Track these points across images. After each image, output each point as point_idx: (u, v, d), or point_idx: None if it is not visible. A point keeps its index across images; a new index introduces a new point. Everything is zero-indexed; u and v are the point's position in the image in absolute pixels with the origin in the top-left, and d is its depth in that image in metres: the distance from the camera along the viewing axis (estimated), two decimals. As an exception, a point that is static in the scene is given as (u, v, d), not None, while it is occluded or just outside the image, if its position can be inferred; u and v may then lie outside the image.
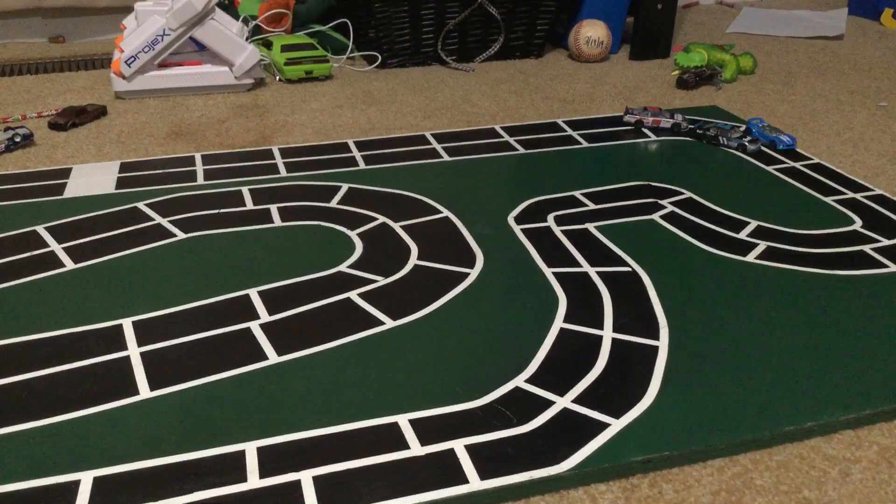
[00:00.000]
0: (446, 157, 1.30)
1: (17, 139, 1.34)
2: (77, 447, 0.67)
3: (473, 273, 0.95)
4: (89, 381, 0.75)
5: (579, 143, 1.36)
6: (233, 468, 0.65)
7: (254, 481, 0.63)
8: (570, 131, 1.42)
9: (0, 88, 1.69)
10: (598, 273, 0.95)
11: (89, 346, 0.81)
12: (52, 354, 0.79)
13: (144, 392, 0.74)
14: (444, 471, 0.65)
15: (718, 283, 0.93)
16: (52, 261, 0.97)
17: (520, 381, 0.76)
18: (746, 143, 1.22)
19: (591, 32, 1.87)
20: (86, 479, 0.64)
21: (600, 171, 1.24)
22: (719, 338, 0.82)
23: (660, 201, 1.14)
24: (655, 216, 1.09)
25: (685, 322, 0.85)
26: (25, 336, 0.82)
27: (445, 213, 1.10)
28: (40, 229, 1.05)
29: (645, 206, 1.12)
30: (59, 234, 1.04)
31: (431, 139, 1.38)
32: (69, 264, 0.97)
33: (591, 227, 1.06)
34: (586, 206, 1.13)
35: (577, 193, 1.16)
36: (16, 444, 0.68)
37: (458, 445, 0.67)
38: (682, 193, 1.16)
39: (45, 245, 1.01)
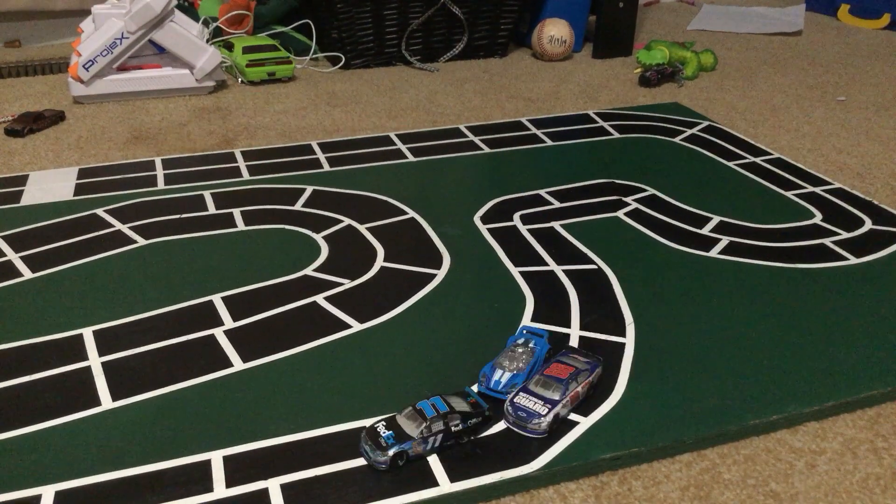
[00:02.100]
0: (411, 158, 1.29)
1: (-29, 146, 1.31)
2: (38, 461, 0.66)
3: (440, 274, 0.95)
4: (50, 392, 0.74)
5: (544, 141, 1.37)
6: (198, 478, 0.64)
7: (220, 490, 0.62)
8: (534, 130, 1.42)
9: (-47, 94, 1.65)
10: (564, 271, 0.95)
11: (49, 356, 0.79)
12: (10, 366, 0.77)
13: (106, 403, 0.72)
14: (414, 475, 0.64)
15: (683, 278, 0.94)
16: (8, 270, 0.95)
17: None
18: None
19: (555, 31, 1.88)
20: (47, 493, 0.62)
21: (565, 170, 1.24)
22: (685, 333, 0.83)
23: (624, 198, 1.14)
24: (620, 213, 1.10)
25: (651, 318, 0.86)
26: (-18, 348, 0.80)
27: (411, 213, 1.10)
28: (-4, 238, 1.03)
29: (609, 204, 1.13)
30: (16, 242, 1.02)
31: (396, 140, 1.37)
32: (27, 273, 0.94)
33: (556, 225, 1.07)
34: (552, 204, 1.13)
35: (542, 192, 1.17)
36: (-27, 460, 0.66)
37: (428, 448, 0.67)
38: (646, 190, 1.17)
39: (2, 254, 0.99)
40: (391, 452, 0.64)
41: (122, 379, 0.76)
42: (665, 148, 1.34)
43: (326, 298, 0.89)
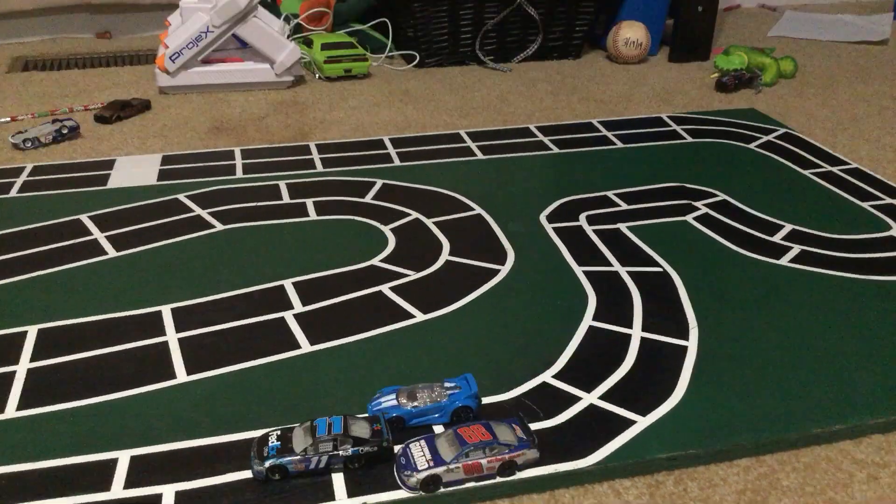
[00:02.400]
0: (480, 156, 1.31)
1: (65, 131, 1.38)
2: (117, 426, 0.70)
3: (504, 270, 0.96)
4: (129, 364, 0.78)
5: (614, 143, 1.36)
6: (264, 451, 0.67)
7: (284, 465, 0.65)
8: (605, 132, 1.42)
9: (49, 82, 1.74)
10: (628, 273, 0.95)
11: (129, 330, 0.83)
12: (94, 337, 0.82)
13: (181, 376, 0.76)
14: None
15: (751, 285, 0.93)
16: (94, 248, 1.00)
17: (547, 377, 0.77)
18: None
19: (630, 34, 1.87)
20: (123, 457, 0.66)
21: (634, 172, 1.24)
22: (749, 339, 0.82)
23: (694, 203, 1.13)
24: (689, 218, 1.09)
25: (715, 323, 0.85)
26: (70, 320, 0.85)
27: (478, 210, 1.11)
28: (84, 218, 1.09)
29: (678, 208, 1.12)
30: (102, 223, 1.07)
31: (466, 137, 1.39)
32: (111, 252, 1.00)
33: (623, 227, 1.07)
34: (619, 206, 1.13)
35: (610, 193, 1.17)
36: (61, 422, 0.70)
37: (485, 437, 0.68)
38: (717, 196, 1.16)
39: (89, 233, 1.04)
40: (266, 465, 0.62)
41: (197, 355, 0.79)
42: (739, 154, 1.32)
43: (392, 288, 0.92)
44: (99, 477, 0.64)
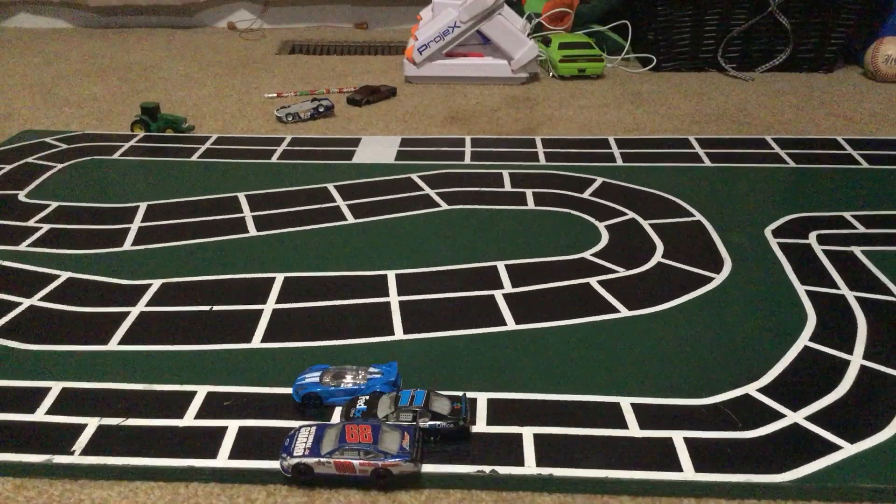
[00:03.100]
0: (708, 163, 1.28)
1: (321, 109, 1.54)
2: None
3: (719, 278, 0.94)
4: (356, 316, 0.87)
5: (859, 163, 1.27)
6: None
7: (482, 426, 0.70)
8: (850, 150, 1.33)
9: (311, 65, 1.94)
10: (856, 298, 0.90)
11: (359, 288, 0.93)
12: (329, 290, 0.92)
13: (399, 334, 0.84)
14: (659, 455, 0.66)
15: None
16: (337, 214, 1.12)
17: (751, 389, 0.75)
18: None
19: (892, 51, 1.72)
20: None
21: (878, 195, 1.15)
22: None
23: (945, 234, 1.04)
24: (937, 249, 1.00)
25: (952, 363, 0.78)
26: (311, 272, 0.96)
27: (698, 216, 1.10)
28: (330, 186, 1.21)
29: (926, 237, 1.03)
30: (345, 192, 1.19)
31: (695, 144, 1.36)
32: (350, 218, 1.11)
33: (857, 250, 1.00)
34: (855, 228, 1.06)
35: (846, 214, 1.10)
36: (293, 357, 0.80)
37: (677, 436, 0.69)
38: (975, 229, 1.05)
39: (333, 200, 1.16)
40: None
41: (414, 317, 0.87)
42: None
43: (600, 282, 0.94)
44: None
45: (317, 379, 0.73)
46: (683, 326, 0.85)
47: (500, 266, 0.97)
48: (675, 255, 0.99)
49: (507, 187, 1.20)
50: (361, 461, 0.63)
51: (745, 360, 0.79)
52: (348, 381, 0.72)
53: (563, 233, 1.06)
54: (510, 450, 0.67)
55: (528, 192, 1.18)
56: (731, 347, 0.81)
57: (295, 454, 0.63)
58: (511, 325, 0.85)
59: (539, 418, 0.71)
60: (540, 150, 1.35)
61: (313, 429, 0.66)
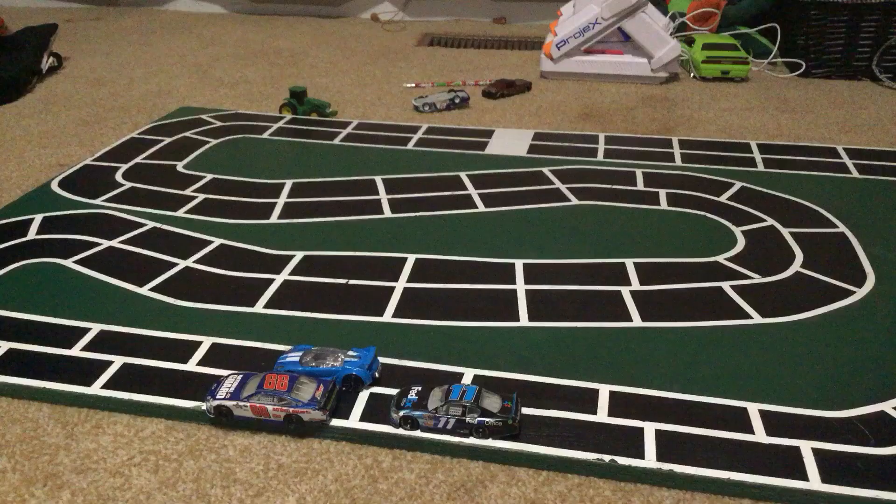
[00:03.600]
0: (856, 174, 1.22)
1: (457, 100, 1.57)
2: (463, 349, 0.81)
3: (861, 293, 0.90)
4: (482, 300, 0.89)
5: None
6: (586, 400, 0.73)
7: (602, 416, 0.71)
8: None
9: (448, 57, 1.98)
10: None
11: (487, 274, 0.95)
12: (457, 273, 0.95)
13: (524, 321, 0.85)
14: (784, 463, 0.65)
15: None
16: (468, 202, 1.15)
17: (887, 406, 0.72)
18: None
19: None
20: (468, 374, 0.77)
21: None
22: None
23: None
24: None
25: None
26: (441, 255, 0.99)
27: (841, 228, 1.05)
28: (462, 175, 1.24)
29: None
30: (477, 181, 1.22)
31: (843, 153, 1.30)
32: (481, 207, 1.13)
33: None
34: None
35: None
36: (421, 334, 0.83)
37: (805, 446, 0.67)
38: None
39: (465, 188, 1.19)
40: (400, 414, 0.68)
41: (539, 306, 0.88)
42: None
43: (733, 287, 0.92)
44: (447, 383, 0.75)
45: (297, 359, 0.76)
46: (819, 338, 0.82)
47: (629, 263, 0.97)
48: (814, 265, 0.96)
49: (640, 186, 1.19)
50: (275, 406, 0.69)
51: (883, 376, 0.76)
52: (328, 362, 0.75)
53: (696, 235, 1.04)
54: (630, 442, 0.68)
55: (662, 192, 1.17)
56: (868, 363, 0.78)
57: (217, 397, 0.70)
58: (637, 321, 0.85)
59: (661, 415, 0.71)
60: (676, 150, 1.33)
61: (239, 377, 0.72)
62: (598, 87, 1.71)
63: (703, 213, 1.10)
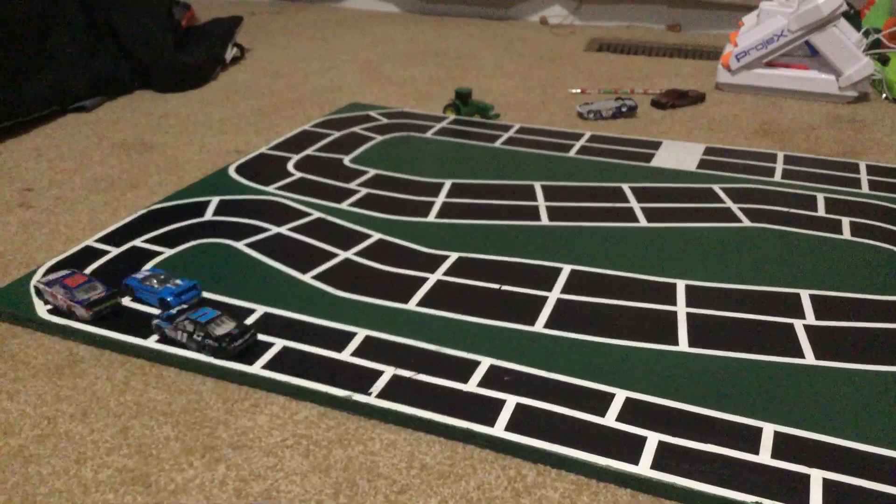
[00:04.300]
0: None
1: (624, 109, 1.53)
2: (617, 367, 0.78)
3: None
4: (639, 320, 0.86)
5: None
6: (746, 438, 0.68)
7: (764, 457, 0.66)
8: None
9: (617, 64, 1.93)
10: None
11: (646, 292, 0.91)
12: (614, 289, 0.92)
13: (683, 345, 0.81)
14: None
15: None
16: (630, 215, 1.11)
17: None
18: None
19: None
20: (619, 395, 0.74)
21: None
22: None
23: None
24: None
25: None
26: (598, 269, 0.96)
27: None
28: (625, 187, 1.20)
29: None
30: (640, 194, 1.17)
31: None
32: (643, 221, 1.09)
33: None
34: None
35: None
36: (573, 348, 0.81)
37: None
38: None
39: (627, 201, 1.15)
40: (154, 322, 0.82)
41: (702, 331, 0.83)
42: None
43: (923, 331, 0.83)
44: (596, 403, 0.73)
45: (141, 276, 0.89)
46: None
47: (804, 294, 0.90)
48: None
49: (821, 212, 1.10)
50: (62, 297, 0.85)
51: None
52: (154, 284, 0.88)
53: (882, 270, 0.95)
54: (793, 489, 0.63)
55: (845, 221, 1.08)
56: None
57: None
58: (810, 359, 0.79)
59: (831, 463, 0.65)
60: (863, 176, 1.22)
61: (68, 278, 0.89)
62: (779, 103, 1.61)
63: (891, 246, 1.00)
